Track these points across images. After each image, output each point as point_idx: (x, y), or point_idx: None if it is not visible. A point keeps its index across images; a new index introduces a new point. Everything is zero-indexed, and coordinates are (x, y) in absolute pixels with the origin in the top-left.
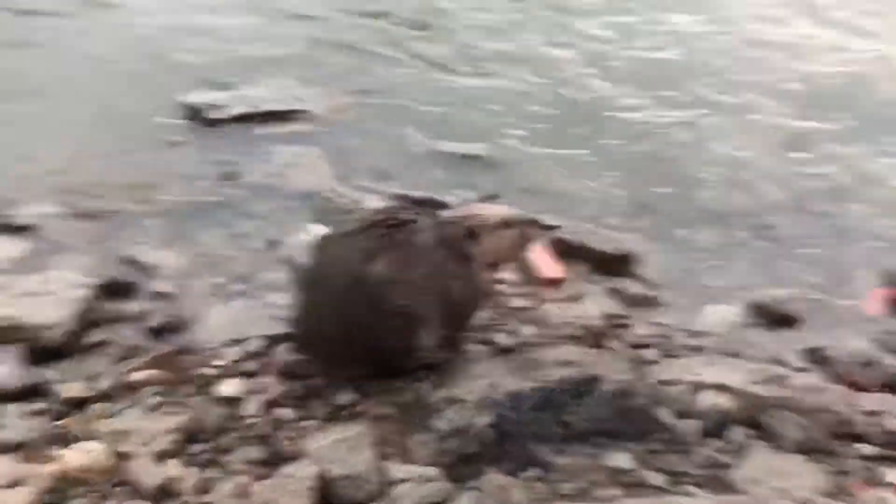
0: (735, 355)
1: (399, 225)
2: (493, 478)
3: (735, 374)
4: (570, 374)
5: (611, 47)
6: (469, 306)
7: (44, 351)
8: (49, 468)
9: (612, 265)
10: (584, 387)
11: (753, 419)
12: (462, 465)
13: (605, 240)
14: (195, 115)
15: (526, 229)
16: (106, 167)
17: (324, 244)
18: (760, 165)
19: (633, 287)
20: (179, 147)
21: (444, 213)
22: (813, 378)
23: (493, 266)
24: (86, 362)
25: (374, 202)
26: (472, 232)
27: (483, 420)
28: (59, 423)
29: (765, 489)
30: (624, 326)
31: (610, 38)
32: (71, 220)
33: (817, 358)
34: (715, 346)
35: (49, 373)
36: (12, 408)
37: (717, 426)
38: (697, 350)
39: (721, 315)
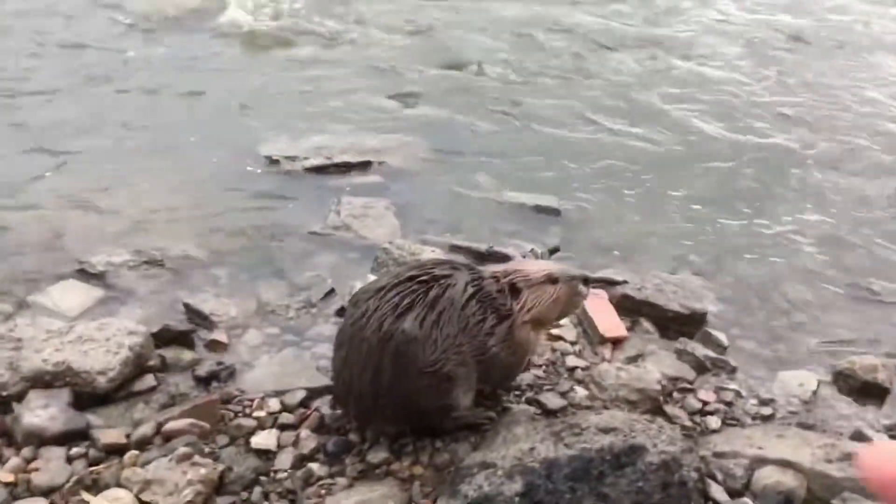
0: (809, 427)
1: (432, 280)
2: None
3: (804, 449)
4: (613, 441)
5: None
6: (509, 365)
7: (91, 396)
8: None
9: (681, 324)
10: (627, 457)
11: (821, 502)
12: None
13: (675, 297)
14: (271, 164)
15: (575, 285)
16: (180, 216)
17: (356, 298)
18: (867, 218)
19: (701, 349)
20: (252, 198)
21: (486, 269)
22: None
23: (539, 323)
24: (131, 409)
25: (431, 254)
26: (514, 287)
27: (514, 488)
28: (94, 468)
29: None
30: (686, 391)
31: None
32: (142, 268)
33: None
34: (786, 417)
35: (93, 418)
36: (54, 451)
37: None
38: (765, 420)
39: (798, 381)
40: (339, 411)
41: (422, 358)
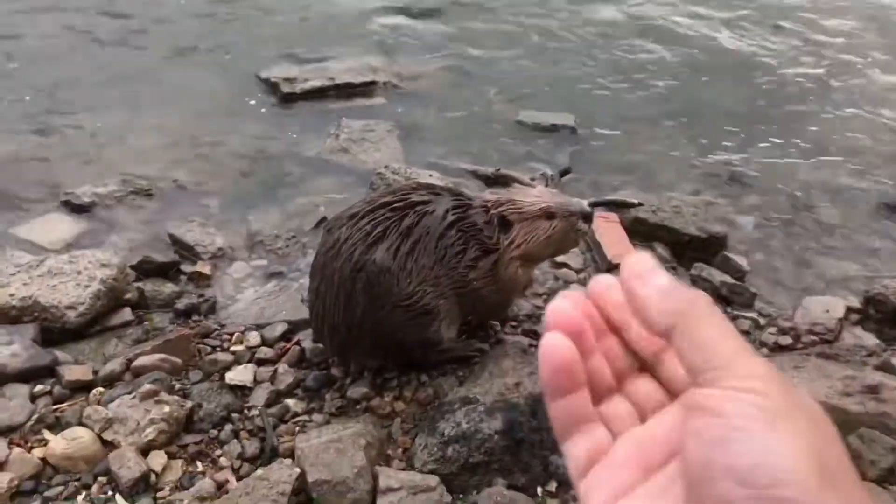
0: (830, 358)
1: (406, 207)
2: (495, 492)
3: (822, 382)
4: None
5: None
6: (492, 302)
7: (62, 331)
8: (35, 453)
9: (698, 249)
10: None
11: None
12: (466, 475)
13: (693, 220)
14: (271, 89)
15: (574, 221)
16: (172, 143)
17: (330, 226)
18: None
19: (719, 275)
20: (248, 123)
21: (476, 197)
22: None
23: (530, 260)
24: (104, 345)
25: (429, 179)
26: (504, 220)
27: (494, 426)
28: (58, 406)
29: None
30: None
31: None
32: (129, 198)
33: None
34: (807, 346)
35: (62, 354)
36: (17, 388)
37: None
38: (784, 350)
39: (823, 308)
40: (319, 345)
41: (395, 290)
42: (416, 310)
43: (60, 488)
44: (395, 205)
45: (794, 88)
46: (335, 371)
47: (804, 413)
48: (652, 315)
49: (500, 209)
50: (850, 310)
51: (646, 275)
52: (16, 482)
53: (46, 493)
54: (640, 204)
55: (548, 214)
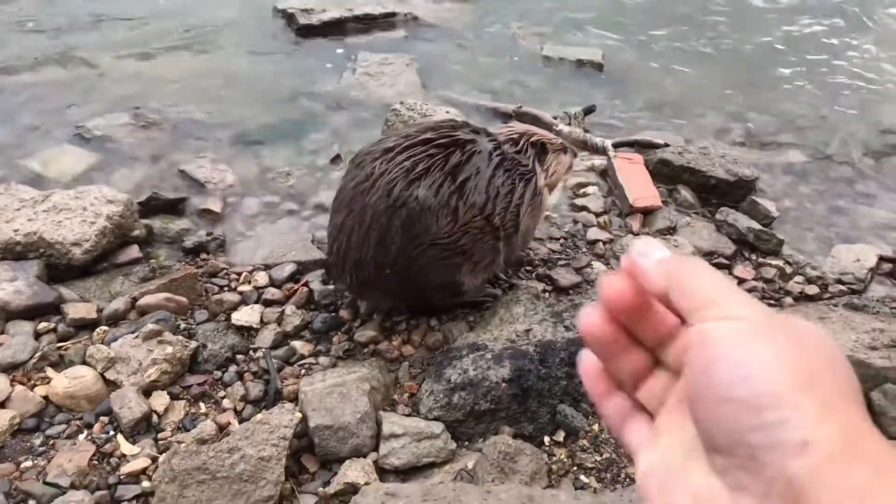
0: (858, 309)
1: (452, 145)
2: (500, 441)
3: (847, 334)
4: None
5: None
6: (526, 230)
7: (68, 268)
8: (37, 391)
9: (725, 193)
10: None
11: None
12: (472, 422)
13: (721, 162)
14: (288, 20)
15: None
16: (184, 76)
17: (360, 159)
18: None
19: (745, 220)
20: (263, 56)
21: (496, 132)
22: None
23: (549, 189)
24: (110, 282)
25: (445, 115)
26: (542, 147)
27: (501, 373)
28: (61, 345)
29: None
30: (721, 267)
31: None
32: (140, 132)
33: None
34: (834, 296)
35: (67, 291)
36: (21, 325)
37: None
38: (810, 299)
39: (854, 257)
40: (329, 286)
41: (434, 229)
42: (453, 250)
43: (62, 427)
44: (437, 142)
45: (836, 34)
46: (343, 314)
47: (786, 332)
48: (652, 279)
49: (533, 138)
50: (882, 259)
51: (648, 250)
52: (17, 419)
53: (48, 431)
54: (665, 145)
55: (564, 148)
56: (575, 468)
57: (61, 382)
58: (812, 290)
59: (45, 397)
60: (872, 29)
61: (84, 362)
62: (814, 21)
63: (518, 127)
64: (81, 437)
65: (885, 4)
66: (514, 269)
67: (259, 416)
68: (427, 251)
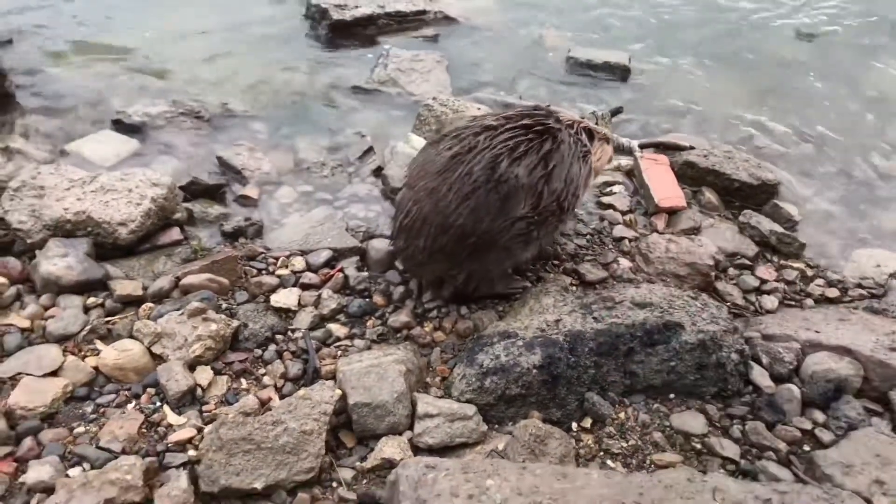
0: (878, 313)
1: (546, 132)
2: (531, 424)
3: (866, 336)
4: (647, 317)
5: None
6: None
7: (113, 247)
8: (88, 362)
9: (748, 196)
10: (660, 334)
11: (877, 393)
12: (503, 406)
13: (745, 166)
14: (321, 15)
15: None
16: (221, 67)
17: (457, 132)
18: None
19: (768, 222)
20: (297, 49)
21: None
22: None
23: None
24: (153, 262)
25: (477, 112)
26: (591, 133)
27: (533, 360)
28: (109, 319)
29: (859, 480)
30: (744, 267)
31: None
32: (179, 119)
33: None
34: (854, 300)
35: (113, 269)
36: (71, 299)
37: (824, 396)
38: (830, 302)
39: (874, 262)
40: (364, 273)
41: (521, 207)
42: (528, 228)
43: (112, 396)
44: (535, 128)
45: (858, 41)
46: (377, 299)
47: None
48: None
49: (584, 125)
50: None
51: None
52: (70, 388)
53: (98, 400)
54: (691, 147)
55: (607, 139)
56: (602, 453)
57: (110, 354)
58: (832, 293)
59: (96, 368)
60: None
61: (131, 336)
62: (840, 35)
63: (566, 114)
64: (130, 406)
65: None
66: (542, 262)
67: (301, 391)
68: (514, 225)
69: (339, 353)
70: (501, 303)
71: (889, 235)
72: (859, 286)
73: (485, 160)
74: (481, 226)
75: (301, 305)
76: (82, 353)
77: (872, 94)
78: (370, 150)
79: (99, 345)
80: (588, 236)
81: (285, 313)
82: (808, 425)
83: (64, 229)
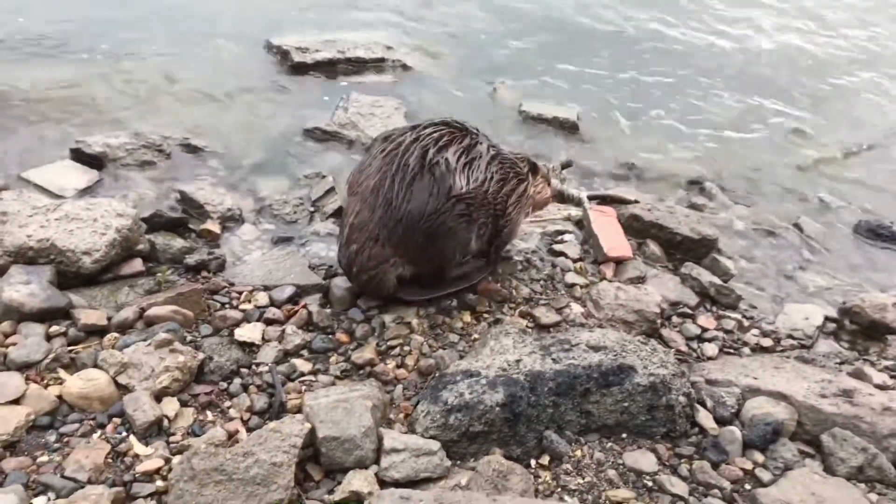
0: (808, 362)
1: (464, 130)
2: (494, 460)
3: (800, 383)
4: (602, 359)
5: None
6: (511, 231)
7: (76, 276)
8: (51, 391)
9: (689, 249)
10: (615, 376)
11: (809, 436)
12: (465, 443)
13: (686, 221)
14: (283, 56)
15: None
16: (184, 103)
17: (387, 135)
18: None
19: (707, 275)
20: (259, 89)
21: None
22: (895, 399)
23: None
24: (116, 292)
25: None
26: (534, 165)
27: (496, 398)
28: (72, 348)
29: None
30: (686, 316)
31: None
32: (140, 151)
33: None
34: (787, 350)
35: (76, 298)
36: (33, 327)
37: (763, 438)
38: (765, 351)
39: (803, 315)
40: (327, 310)
41: (457, 187)
42: (468, 209)
43: (76, 425)
44: (454, 126)
45: (792, 95)
46: (341, 336)
47: None
48: None
49: (530, 158)
50: (827, 319)
51: None
52: (32, 416)
53: (62, 429)
54: (635, 201)
55: (547, 179)
56: (559, 489)
57: (76, 383)
58: (767, 342)
59: (59, 397)
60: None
61: (96, 366)
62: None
63: (516, 151)
64: (95, 436)
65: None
66: (497, 304)
67: (271, 424)
68: (454, 206)
69: (304, 387)
70: (466, 291)
71: (813, 293)
72: (790, 336)
73: (416, 151)
74: (426, 208)
75: (265, 340)
76: (45, 381)
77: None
78: (332, 189)
79: (62, 373)
80: (542, 281)
81: (249, 347)
82: (749, 465)
83: (26, 256)
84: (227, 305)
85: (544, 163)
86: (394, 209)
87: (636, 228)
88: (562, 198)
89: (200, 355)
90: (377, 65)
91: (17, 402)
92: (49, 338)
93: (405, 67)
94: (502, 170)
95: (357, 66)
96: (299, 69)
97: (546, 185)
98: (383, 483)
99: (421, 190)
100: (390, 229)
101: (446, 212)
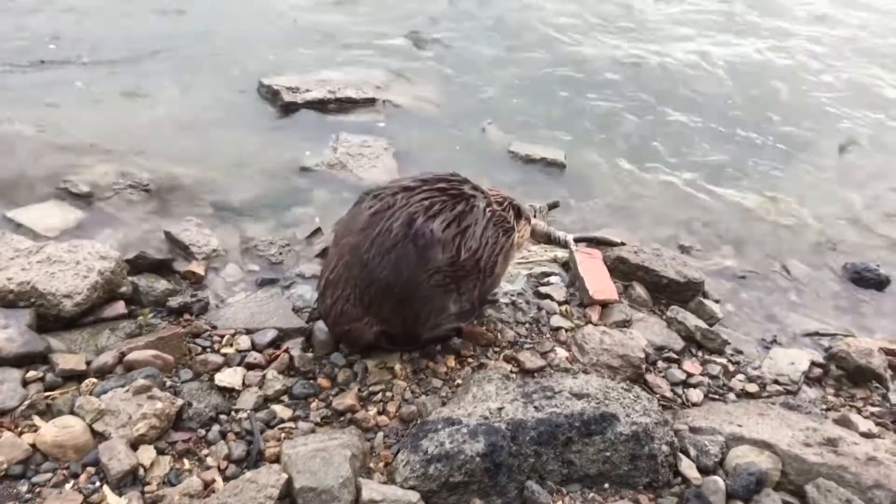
0: (793, 408)
1: (460, 196)
2: None
3: (784, 431)
4: (584, 407)
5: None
6: (494, 281)
7: (56, 319)
8: (25, 438)
9: (675, 293)
10: (597, 424)
11: (794, 486)
12: (445, 493)
13: (672, 264)
14: (273, 96)
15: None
16: (172, 142)
17: (377, 192)
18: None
19: (693, 319)
20: (248, 128)
21: (489, 192)
22: (880, 448)
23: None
24: (97, 336)
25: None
26: (518, 210)
27: (476, 447)
28: (49, 394)
29: None
30: (671, 361)
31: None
32: (127, 192)
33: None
34: (772, 395)
35: (55, 342)
36: (9, 372)
37: (746, 488)
38: (750, 397)
39: (789, 360)
40: (309, 354)
41: (440, 259)
42: (451, 278)
43: (49, 475)
44: (449, 191)
45: (787, 134)
46: (322, 381)
47: None
48: None
49: (513, 203)
50: (813, 364)
51: None
52: (5, 465)
53: (34, 479)
54: (622, 243)
55: (528, 219)
56: None
57: (50, 431)
58: (752, 388)
59: (33, 445)
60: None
61: (72, 412)
62: (765, 138)
63: (502, 191)
64: (68, 486)
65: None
66: (482, 347)
67: (247, 474)
68: (433, 277)
69: (283, 435)
70: (444, 387)
71: (799, 337)
72: (776, 382)
73: (402, 217)
74: (401, 277)
75: (246, 385)
76: (19, 428)
77: (794, 198)
78: (318, 230)
79: (37, 420)
80: (527, 324)
81: (230, 393)
82: None
83: (6, 299)
84: (208, 349)
85: (530, 204)
86: (368, 271)
87: (622, 271)
88: (548, 239)
89: (179, 401)
90: (367, 104)
91: None
92: (25, 383)
93: (396, 107)
94: (496, 232)
95: (347, 105)
96: (289, 109)
97: (527, 224)
98: None
99: (400, 258)
100: (362, 290)
101: (423, 282)
